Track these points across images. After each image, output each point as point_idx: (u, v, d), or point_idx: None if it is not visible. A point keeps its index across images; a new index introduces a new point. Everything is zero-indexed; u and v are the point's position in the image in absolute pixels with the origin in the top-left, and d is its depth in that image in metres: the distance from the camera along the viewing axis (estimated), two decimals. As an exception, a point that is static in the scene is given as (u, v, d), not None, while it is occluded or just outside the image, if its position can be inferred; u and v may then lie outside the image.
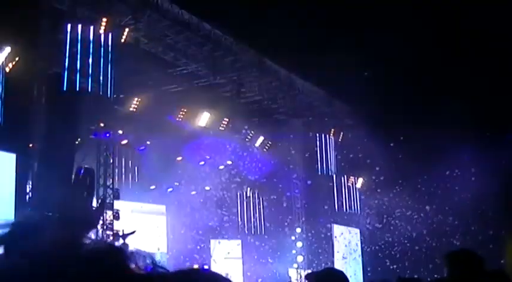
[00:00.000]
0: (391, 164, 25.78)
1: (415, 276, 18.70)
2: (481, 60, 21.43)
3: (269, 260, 26.03)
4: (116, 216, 18.76)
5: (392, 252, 28.14)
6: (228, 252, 25.71)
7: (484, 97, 22.23)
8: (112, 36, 17.36)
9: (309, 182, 27.06)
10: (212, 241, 25.52)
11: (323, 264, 26.31)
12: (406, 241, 27.67)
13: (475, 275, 4.68)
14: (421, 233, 27.02)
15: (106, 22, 17.12)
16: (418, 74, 22.10)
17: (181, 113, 22.34)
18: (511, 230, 25.40)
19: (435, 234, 26.33)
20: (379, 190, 27.66)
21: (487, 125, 23.60)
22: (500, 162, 23.82)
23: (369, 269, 28.51)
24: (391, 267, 27.21)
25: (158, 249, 21.99)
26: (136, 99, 20.55)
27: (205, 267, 23.38)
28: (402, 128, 24.47)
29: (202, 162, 23.97)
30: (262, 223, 26.45)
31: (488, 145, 23.49)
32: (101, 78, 16.96)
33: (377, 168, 26.89)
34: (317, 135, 26.18)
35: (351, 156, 26.81)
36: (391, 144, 25.27)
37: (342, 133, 26.83)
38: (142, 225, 21.84)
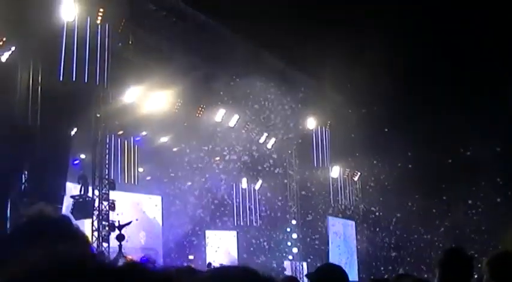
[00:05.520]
0: (389, 156, 25.77)
1: (403, 272, 18.75)
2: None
3: (264, 251, 26.11)
4: (112, 207, 18.80)
5: (388, 246, 28.22)
6: (223, 243, 25.80)
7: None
8: (108, 27, 17.35)
9: (305, 174, 27.09)
10: (207, 232, 25.59)
11: (318, 257, 26.41)
12: (403, 236, 27.69)
13: (466, 276, 4.73)
14: (418, 228, 27.00)
15: (102, 13, 17.11)
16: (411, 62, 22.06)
17: (177, 104, 22.29)
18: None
19: (433, 231, 26.25)
20: (376, 183, 27.70)
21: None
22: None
23: (363, 261, 28.59)
24: (386, 260, 27.29)
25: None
26: (132, 90, 20.53)
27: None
28: (400, 119, 24.48)
29: (202, 154, 23.92)
30: (258, 215, 26.51)
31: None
32: (97, 69, 16.95)
33: (374, 162, 26.88)
34: (313, 127, 26.22)
35: (348, 148, 26.79)
36: (390, 135, 25.14)
37: (338, 125, 26.81)
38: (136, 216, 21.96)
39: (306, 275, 5.68)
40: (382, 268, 26.69)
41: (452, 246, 6.08)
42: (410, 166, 25.77)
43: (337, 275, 4.85)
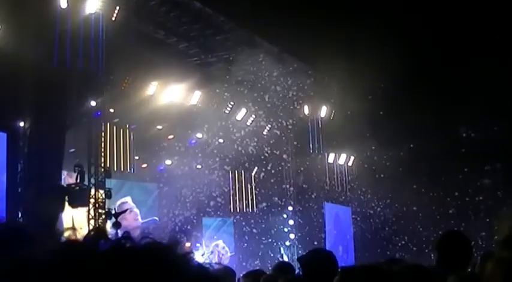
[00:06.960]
0: (388, 143, 25.72)
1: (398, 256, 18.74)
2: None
3: (261, 237, 26.12)
4: (108, 195, 18.77)
5: (384, 232, 28.22)
6: (220, 230, 25.82)
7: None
8: (102, 14, 17.27)
9: (301, 161, 27.06)
10: (204, 219, 25.59)
11: (315, 242, 26.43)
12: (399, 221, 27.68)
13: (465, 259, 4.71)
14: (414, 213, 26.98)
15: (96, 1, 17.03)
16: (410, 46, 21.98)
17: (172, 91, 22.21)
18: None
19: (428, 215, 26.23)
20: (372, 168, 27.66)
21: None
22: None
23: (359, 248, 28.60)
24: (383, 246, 27.30)
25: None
26: (127, 77, 20.46)
27: (197, 245, 23.53)
28: (393, 105, 24.42)
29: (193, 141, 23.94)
30: (254, 201, 26.51)
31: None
32: (92, 56, 16.88)
33: (372, 147, 26.80)
34: (310, 113, 26.15)
35: (346, 135, 26.68)
36: (389, 122, 25.03)
37: (334, 111, 26.74)
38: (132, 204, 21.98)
39: (297, 259, 5.76)
40: (380, 254, 26.69)
41: (450, 229, 6.08)
42: (409, 153, 25.76)
43: (327, 260, 4.91)
